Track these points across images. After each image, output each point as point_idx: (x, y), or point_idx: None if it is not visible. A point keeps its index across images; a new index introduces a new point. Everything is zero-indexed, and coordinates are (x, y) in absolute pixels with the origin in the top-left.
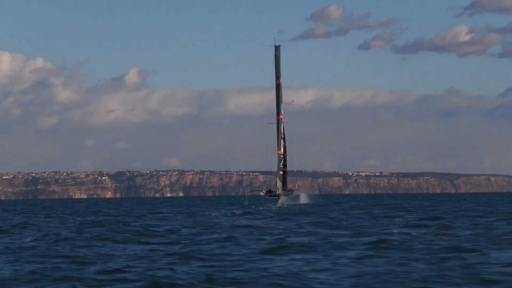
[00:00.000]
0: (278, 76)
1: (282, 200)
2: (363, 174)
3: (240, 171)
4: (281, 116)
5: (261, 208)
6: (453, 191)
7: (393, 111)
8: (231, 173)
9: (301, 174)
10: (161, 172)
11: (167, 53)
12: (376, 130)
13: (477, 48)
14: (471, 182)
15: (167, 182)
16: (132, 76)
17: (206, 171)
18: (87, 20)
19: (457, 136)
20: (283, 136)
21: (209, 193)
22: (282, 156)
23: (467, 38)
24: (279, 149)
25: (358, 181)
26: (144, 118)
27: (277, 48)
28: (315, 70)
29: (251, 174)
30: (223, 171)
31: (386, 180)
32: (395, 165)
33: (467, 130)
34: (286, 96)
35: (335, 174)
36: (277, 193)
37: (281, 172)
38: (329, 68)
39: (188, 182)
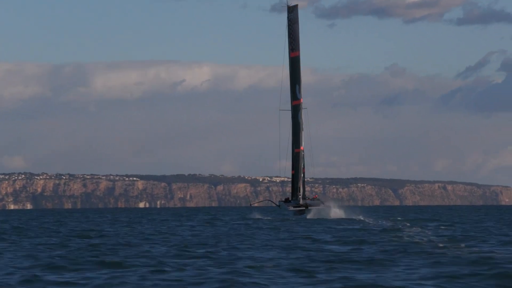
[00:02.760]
0: (294, 47)
1: (314, 214)
2: (277, 179)
3: (110, 175)
4: (301, 100)
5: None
6: (397, 203)
7: (315, 96)
8: (99, 178)
9: (194, 179)
10: (0, 176)
11: (9, 14)
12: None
13: (430, 11)
14: (420, 192)
15: (9, 190)
16: None
17: (63, 175)
18: None
19: (401, 130)
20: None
21: (68, 205)
22: (303, 153)
23: None
24: (300, 144)
25: (270, 188)
26: None
27: (291, 9)
28: (212, 39)
29: (126, 179)
30: (88, 175)
31: (308, 188)
32: (319, 168)
33: (414, 122)
34: (174, 73)
35: (239, 179)
36: (301, 203)
37: (302, 175)
38: (231, 37)
39: (39, 190)
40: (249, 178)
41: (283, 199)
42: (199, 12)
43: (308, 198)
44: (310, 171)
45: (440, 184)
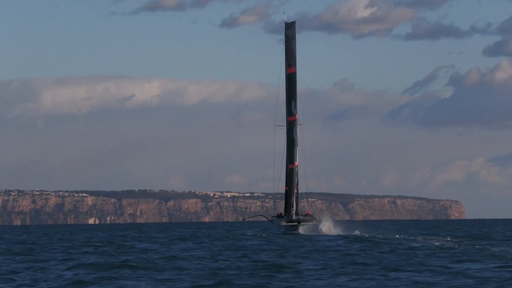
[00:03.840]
0: (291, 63)
1: (305, 230)
2: (228, 195)
3: (60, 191)
4: (296, 116)
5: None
6: (347, 217)
7: (264, 111)
8: (48, 194)
9: (144, 195)
10: None
11: None
12: (241, 136)
13: (379, 26)
14: (370, 206)
15: None
16: None
17: (12, 191)
18: None
19: (350, 145)
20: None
21: (17, 222)
22: (297, 169)
23: (366, 13)
24: (294, 160)
25: (221, 204)
26: None
27: (289, 25)
28: (163, 54)
29: (76, 195)
30: (37, 191)
31: (259, 203)
32: (268, 183)
33: (363, 137)
34: (123, 88)
35: (190, 195)
36: (294, 218)
37: (295, 191)
38: (181, 52)
39: None
40: (200, 194)
41: (276, 215)
42: (149, 27)
43: (301, 214)
44: (303, 185)
45: (389, 198)
